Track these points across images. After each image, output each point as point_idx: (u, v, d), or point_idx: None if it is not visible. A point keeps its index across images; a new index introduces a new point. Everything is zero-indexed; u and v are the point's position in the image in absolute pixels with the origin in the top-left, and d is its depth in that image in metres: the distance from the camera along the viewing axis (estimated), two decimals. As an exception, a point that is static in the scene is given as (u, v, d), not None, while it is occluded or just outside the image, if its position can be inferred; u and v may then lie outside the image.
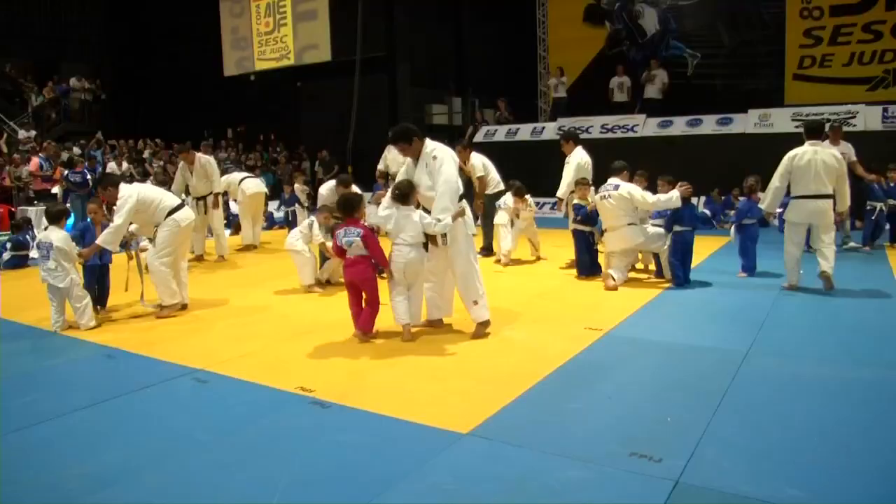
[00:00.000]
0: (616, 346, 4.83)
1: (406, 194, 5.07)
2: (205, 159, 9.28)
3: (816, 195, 6.28)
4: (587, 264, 7.36)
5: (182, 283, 6.27)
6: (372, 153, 12.49)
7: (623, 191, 6.77)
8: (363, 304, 5.19)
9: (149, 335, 5.54)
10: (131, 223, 6.07)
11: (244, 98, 19.88)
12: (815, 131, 6.49)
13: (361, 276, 5.10)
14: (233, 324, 5.85)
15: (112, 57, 23.19)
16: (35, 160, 13.65)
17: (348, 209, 5.20)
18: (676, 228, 6.75)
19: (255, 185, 10.25)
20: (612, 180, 6.94)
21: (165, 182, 12.58)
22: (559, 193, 8.22)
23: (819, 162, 6.25)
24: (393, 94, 17.26)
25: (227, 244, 9.49)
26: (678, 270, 6.80)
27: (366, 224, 5.17)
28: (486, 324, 5.18)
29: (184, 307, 6.24)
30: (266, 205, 11.34)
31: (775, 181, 6.46)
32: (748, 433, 3.33)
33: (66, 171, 13.03)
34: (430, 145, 5.11)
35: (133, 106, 22.11)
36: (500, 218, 8.32)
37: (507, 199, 8.27)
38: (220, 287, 7.44)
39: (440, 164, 4.98)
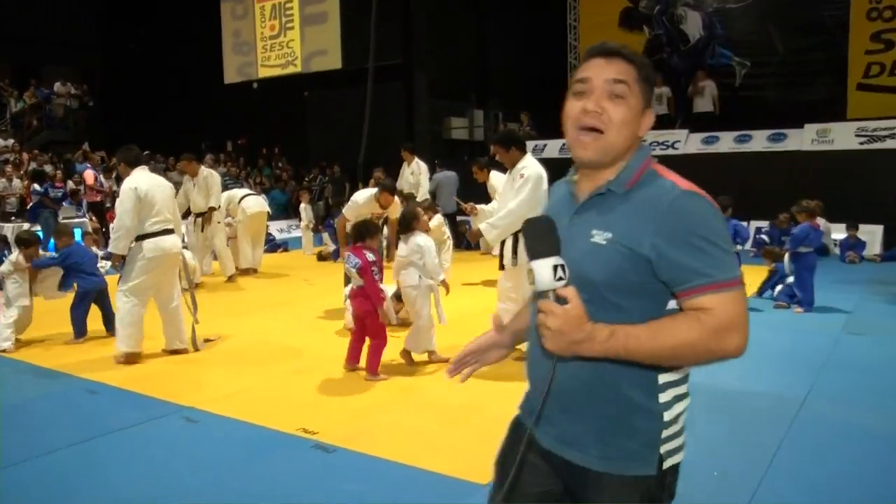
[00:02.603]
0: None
1: (407, 224, 5.45)
2: (207, 172, 9.61)
3: None
4: None
5: (174, 325, 5.88)
6: (385, 170, 12.56)
7: None
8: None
9: (135, 369, 5.56)
10: None
11: (246, 108, 20.16)
12: None
13: (362, 309, 5.12)
14: (227, 357, 5.86)
15: (101, 60, 23.62)
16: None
17: (357, 236, 5.25)
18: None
19: (256, 204, 10.37)
20: None
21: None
22: None
23: None
24: (409, 105, 17.42)
25: (232, 264, 9.76)
26: None
27: (369, 256, 5.14)
28: None
29: (175, 351, 5.86)
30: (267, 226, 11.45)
31: None
32: (806, 491, 3.26)
33: (44, 185, 13.20)
34: (525, 162, 5.35)
35: (123, 114, 22.49)
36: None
37: None
38: (213, 315, 7.46)
39: (522, 185, 5.24)
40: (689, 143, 13.94)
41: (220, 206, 9.65)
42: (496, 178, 8.60)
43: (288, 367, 5.46)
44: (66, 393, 5.00)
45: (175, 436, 4.14)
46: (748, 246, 10.11)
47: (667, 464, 1.56)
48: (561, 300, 1.40)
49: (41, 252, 6.83)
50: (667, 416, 1.56)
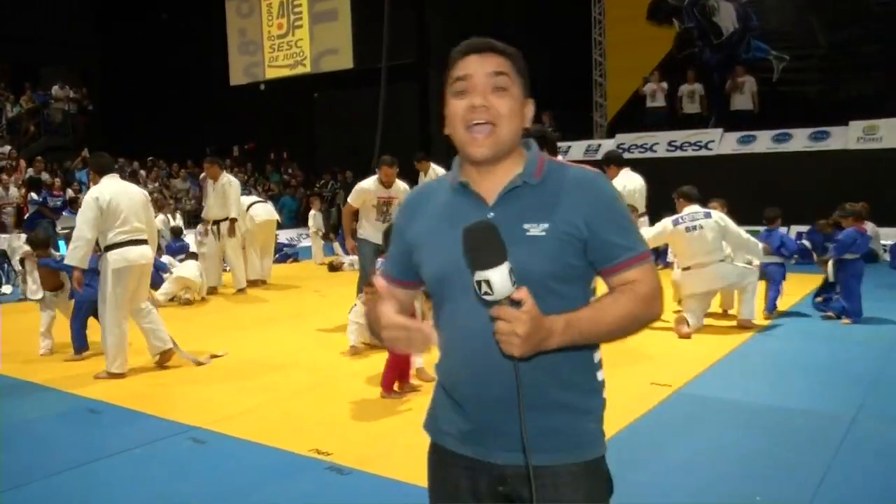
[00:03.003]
0: (689, 407, 4.73)
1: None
2: (227, 179, 9.78)
3: None
4: None
5: (149, 327, 6.00)
6: (400, 175, 12.58)
7: (718, 218, 6.78)
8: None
9: (138, 386, 5.61)
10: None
11: (253, 111, 20.29)
12: None
13: None
14: (235, 374, 5.89)
15: (101, 61, 23.85)
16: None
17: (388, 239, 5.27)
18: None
19: (265, 212, 10.50)
20: (695, 207, 6.91)
21: (163, 208, 12.88)
22: None
23: None
24: (424, 106, 17.47)
25: (243, 277, 9.86)
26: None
27: None
28: None
29: (164, 354, 6.00)
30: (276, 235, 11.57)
31: None
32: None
33: (41, 194, 13.33)
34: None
35: (124, 119, 22.70)
36: None
37: None
38: (220, 329, 7.52)
39: None
40: (724, 143, 13.86)
41: (238, 217, 9.70)
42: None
43: (300, 385, 5.49)
44: (66, 412, 5.05)
45: (182, 457, 4.16)
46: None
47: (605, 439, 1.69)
48: (515, 303, 1.42)
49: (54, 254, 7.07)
50: (604, 393, 1.70)
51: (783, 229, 7.79)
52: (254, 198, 11.31)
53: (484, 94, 1.60)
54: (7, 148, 17.13)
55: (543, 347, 1.48)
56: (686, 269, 6.86)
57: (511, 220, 1.56)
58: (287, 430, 4.50)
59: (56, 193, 13.76)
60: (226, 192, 9.58)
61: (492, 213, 1.60)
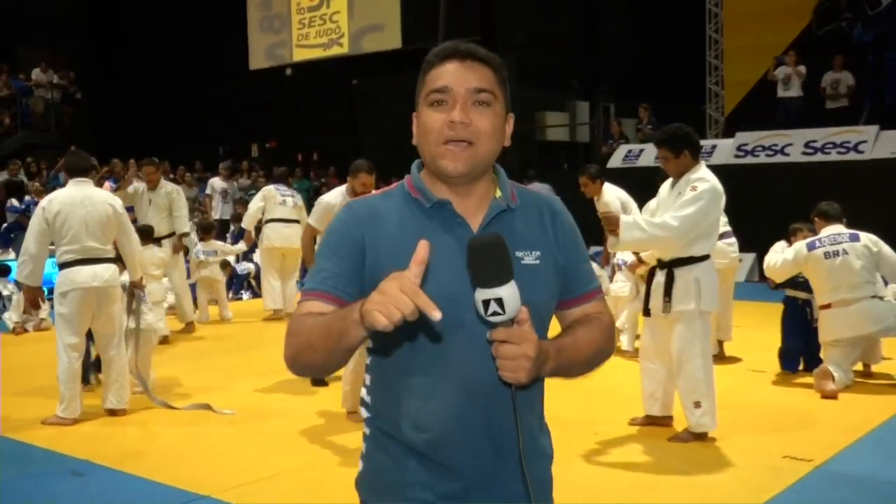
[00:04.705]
0: (835, 489, 4.64)
1: None
2: (171, 187, 10.02)
3: None
4: (797, 352, 7.24)
5: (109, 377, 6.19)
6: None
7: (868, 241, 6.67)
8: None
9: (128, 442, 5.68)
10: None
11: (277, 101, 20.53)
12: None
13: None
14: (252, 429, 5.93)
15: (91, 41, 24.44)
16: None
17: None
18: None
19: (278, 238, 10.42)
20: (837, 228, 6.79)
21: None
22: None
23: None
24: (490, 95, 17.52)
25: (191, 308, 10.06)
26: None
27: None
28: (704, 437, 5.34)
29: (113, 412, 6.18)
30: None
31: None
32: None
33: (23, 202, 13.67)
34: (700, 172, 5.40)
35: (119, 110, 23.14)
36: (619, 285, 8.04)
37: (626, 255, 7.79)
38: (231, 373, 7.60)
39: (691, 199, 5.18)
40: (880, 144, 13.55)
41: (189, 231, 9.94)
42: (610, 193, 8.52)
43: (336, 442, 5.48)
44: (44, 475, 5.10)
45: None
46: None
47: None
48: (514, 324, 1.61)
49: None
50: None
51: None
52: (278, 212, 10.61)
53: (464, 109, 1.77)
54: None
55: (539, 373, 1.70)
56: (825, 306, 6.72)
57: None
58: (326, 499, 4.48)
59: (40, 200, 14.04)
60: (173, 202, 9.74)
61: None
